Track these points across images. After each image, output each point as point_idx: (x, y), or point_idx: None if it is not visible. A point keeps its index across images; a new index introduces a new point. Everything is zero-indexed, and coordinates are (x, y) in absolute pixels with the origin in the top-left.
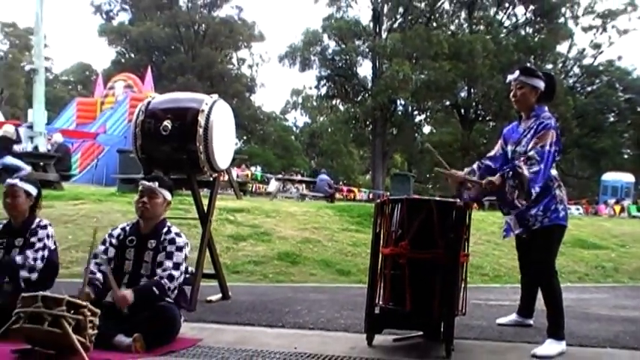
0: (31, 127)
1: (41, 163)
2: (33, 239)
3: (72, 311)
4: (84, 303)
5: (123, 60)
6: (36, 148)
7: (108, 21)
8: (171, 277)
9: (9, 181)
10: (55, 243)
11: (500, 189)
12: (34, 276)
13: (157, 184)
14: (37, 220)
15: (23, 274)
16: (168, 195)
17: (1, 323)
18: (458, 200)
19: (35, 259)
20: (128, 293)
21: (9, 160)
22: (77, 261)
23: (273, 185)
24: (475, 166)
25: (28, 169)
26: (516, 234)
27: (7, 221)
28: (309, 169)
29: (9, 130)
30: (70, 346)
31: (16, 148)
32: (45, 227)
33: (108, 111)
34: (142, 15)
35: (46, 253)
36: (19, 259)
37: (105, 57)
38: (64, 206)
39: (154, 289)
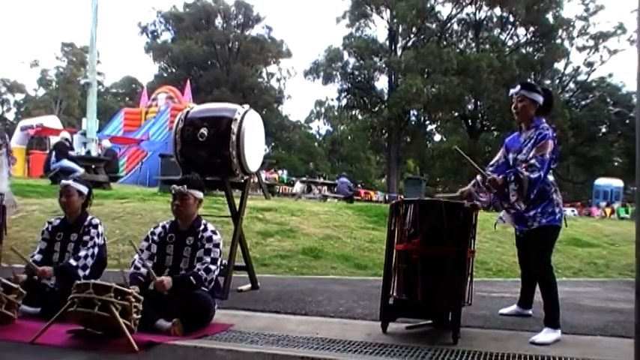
0: (84, 134)
1: (93, 166)
2: (85, 238)
3: (119, 297)
4: (130, 290)
5: (165, 74)
6: (88, 152)
7: (153, 40)
8: (208, 270)
9: (63, 182)
10: (104, 239)
11: (500, 188)
12: (87, 272)
13: (185, 186)
14: (89, 217)
15: (79, 272)
16: (198, 194)
17: (58, 307)
18: (465, 202)
19: (86, 257)
20: (166, 279)
21: (65, 162)
22: (123, 253)
23: (298, 187)
24: (479, 177)
25: (81, 170)
26: (515, 230)
27: (64, 217)
28: (310, 171)
29: (65, 136)
30: (117, 328)
31: (71, 152)
32: (96, 226)
33: (151, 120)
34: (182, 34)
35: (96, 250)
36: (73, 262)
37: (149, 72)
38: (112, 204)
39: (191, 278)
